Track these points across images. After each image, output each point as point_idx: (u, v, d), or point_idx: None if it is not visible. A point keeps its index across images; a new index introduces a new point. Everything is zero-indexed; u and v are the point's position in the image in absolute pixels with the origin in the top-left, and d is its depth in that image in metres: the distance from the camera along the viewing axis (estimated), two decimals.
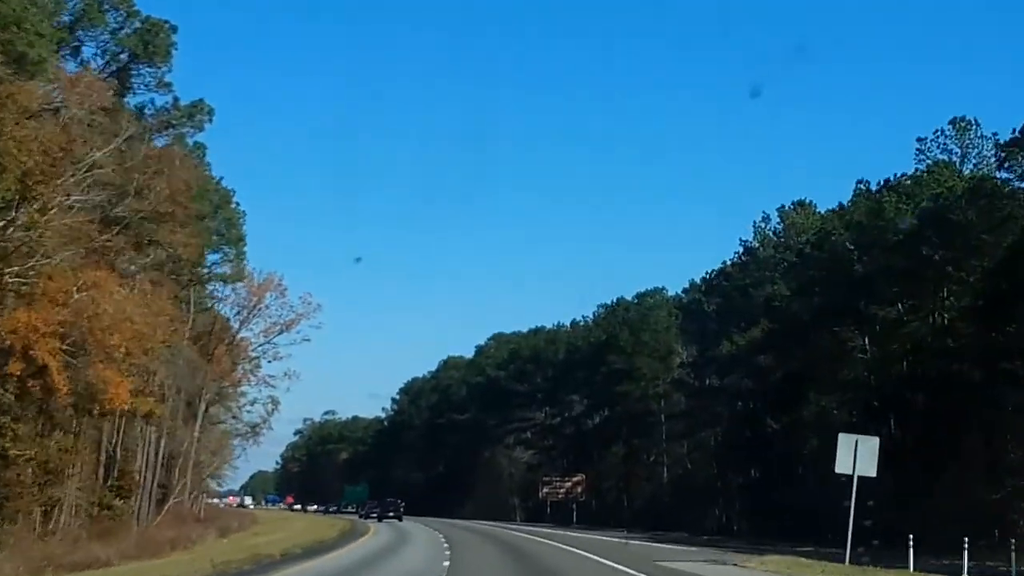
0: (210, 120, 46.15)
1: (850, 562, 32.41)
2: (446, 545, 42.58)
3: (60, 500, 48.79)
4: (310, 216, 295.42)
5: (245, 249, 65.75)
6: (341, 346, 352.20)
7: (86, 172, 29.70)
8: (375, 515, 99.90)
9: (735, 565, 30.06)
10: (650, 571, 28.04)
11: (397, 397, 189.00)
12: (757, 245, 77.52)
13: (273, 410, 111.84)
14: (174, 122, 44.60)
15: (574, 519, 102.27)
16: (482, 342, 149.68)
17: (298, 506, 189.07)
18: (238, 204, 65.58)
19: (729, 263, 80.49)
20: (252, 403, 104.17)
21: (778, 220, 76.74)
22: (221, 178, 64.13)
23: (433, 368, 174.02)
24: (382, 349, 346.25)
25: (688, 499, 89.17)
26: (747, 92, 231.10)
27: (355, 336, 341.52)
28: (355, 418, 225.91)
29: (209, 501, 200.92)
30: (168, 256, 41.46)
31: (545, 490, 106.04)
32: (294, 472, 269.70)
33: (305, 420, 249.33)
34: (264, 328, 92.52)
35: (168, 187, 35.67)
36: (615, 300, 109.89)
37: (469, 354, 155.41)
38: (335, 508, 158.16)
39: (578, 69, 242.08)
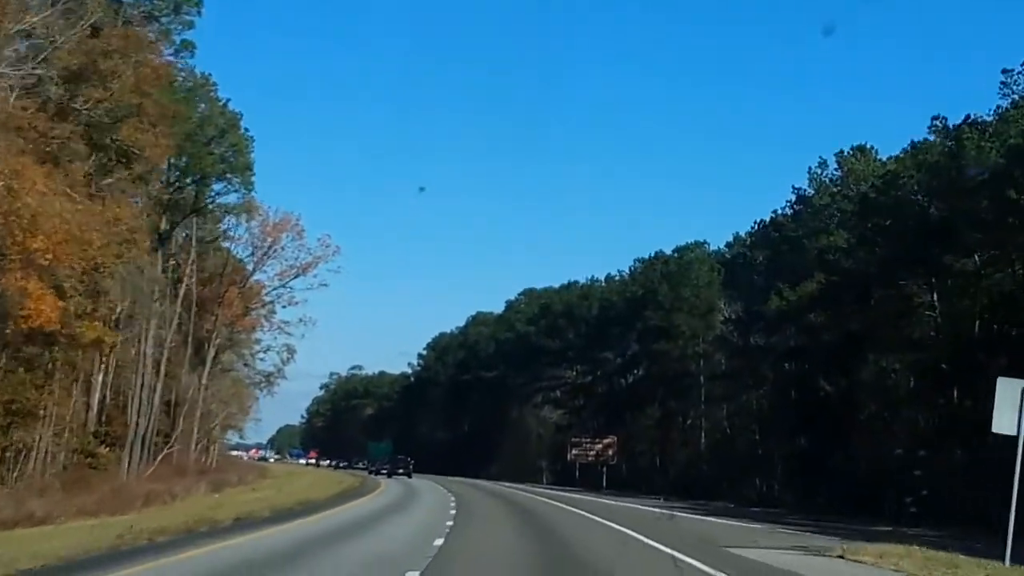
0: (199, 13, 40.30)
1: (1012, 561, 21.64)
2: (453, 511, 36.59)
3: (31, 445, 43.79)
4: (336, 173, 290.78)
5: (253, 179, 60.09)
6: (372, 301, 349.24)
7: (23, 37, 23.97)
8: (385, 471, 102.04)
9: (841, 557, 21.91)
10: (725, 564, 20.46)
11: (424, 353, 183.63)
12: (812, 193, 70.96)
13: (289, 359, 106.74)
14: (157, 13, 38.82)
15: (604, 483, 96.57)
16: (512, 297, 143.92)
17: (313, 461, 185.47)
18: (247, 130, 59.80)
19: (780, 213, 74.05)
20: (266, 350, 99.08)
21: (835, 167, 70.22)
22: (228, 100, 58.44)
23: (461, 324, 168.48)
24: (413, 306, 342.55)
25: (727, 466, 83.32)
26: (810, 31, 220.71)
27: (387, 292, 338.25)
28: (381, 373, 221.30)
29: (231, 453, 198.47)
30: (140, 163, 35.58)
31: (574, 452, 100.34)
32: (319, 427, 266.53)
33: (331, 374, 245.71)
34: (279, 271, 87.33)
35: (134, 75, 29.89)
36: (653, 254, 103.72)
37: (499, 311, 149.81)
38: (346, 464, 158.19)
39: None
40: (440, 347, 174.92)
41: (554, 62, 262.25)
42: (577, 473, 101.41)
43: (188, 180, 57.96)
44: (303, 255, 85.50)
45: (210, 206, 62.08)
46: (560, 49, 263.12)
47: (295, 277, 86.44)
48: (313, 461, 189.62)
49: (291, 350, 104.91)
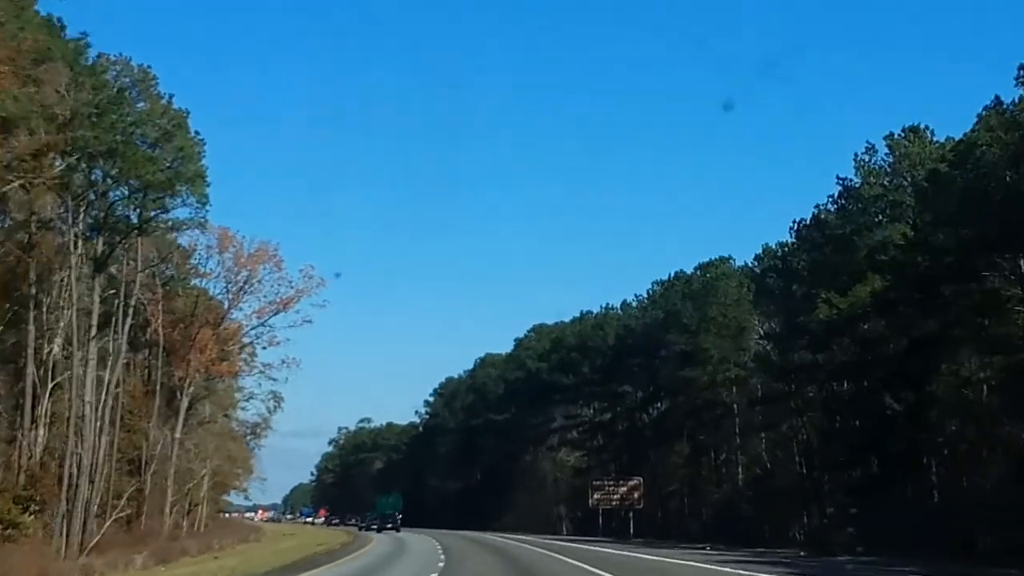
0: None
1: None
2: None
3: None
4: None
5: (207, 190, 50.83)
6: (381, 353, 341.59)
7: None
8: (375, 527, 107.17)
9: None
10: None
11: (431, 400, 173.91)
12: (859, 183, 61.43)
13: (276, 407, 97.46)
14: None
15: (631, 530, 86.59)
16: (522, 335, 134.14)
17: (322, 520, 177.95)
18: (198, 134, 50.59)
19: (823, 208, 64.33)
20: (248, 399, 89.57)
21: (886, 151, 60.79)
22: (171, 95, 49.22)
23: (470, 367, 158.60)
24: (424, 355, 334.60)
25: (768, 505, 73.30)
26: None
27: (396, 342, 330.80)
28: (389, 424, 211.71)
29: (232, 516, 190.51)
30: None
31: (596, 496, 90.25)
32: (328, 484, 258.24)
33: (340, 429, 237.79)
34: (258, 309, 78.08)
35: None
36: (672, 274, 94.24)
37: (509, 350, 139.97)
38: (337, 521, 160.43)
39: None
40: (448, 392, 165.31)
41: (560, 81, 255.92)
42: (600, 520, 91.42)
43: (122, 191, 48.72)
44: (283, 289, 76.21)
45: (156, 223, 52.33)
46: (565, 68, 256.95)
47: (275, 314, 77.10)
48: (322, 520, 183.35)
49: (278, 397, 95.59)
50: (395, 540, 74.63)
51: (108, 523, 50.58)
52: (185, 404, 74.75)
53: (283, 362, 77.64)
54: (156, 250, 73.90)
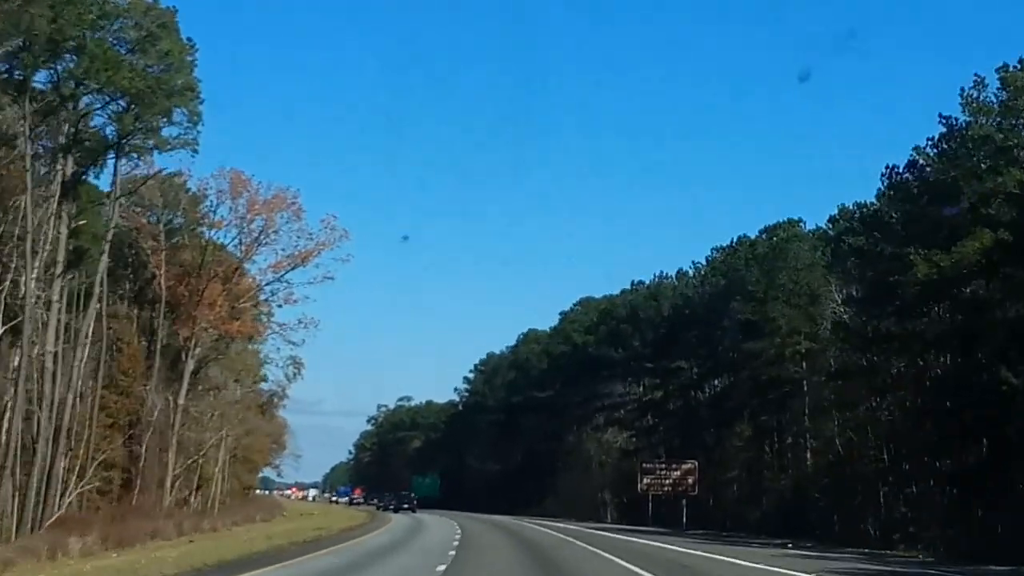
0: None
1: None
2: None
3: None
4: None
5: (200, 107, 42.80)
6: (424, 330, 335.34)
7: None
8: (392, 507, 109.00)
9: None
10: None
11: (471, 376, 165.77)
12: (966, 122, 52.29)
13: (296, 374, 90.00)
14: None
15: (684, 520, 78.08)
16: (567, 308, 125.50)
17: (359, 499, 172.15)
18: (191, 40, 42.60)
19: (920, 153, 55.11)
20: (265, 363, 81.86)
21: (998, 86, 51.65)
22: None
23: (512, 343, 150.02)
24: (466, 332, 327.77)
25: (843, 495, 64.56)
26: None
27: (438, 318, 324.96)
28: (429, 403, 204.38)
29: (270, 492, 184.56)
30: None
31: (646, 481, 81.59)
32: (365, 463, 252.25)
33: (379, 407, 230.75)
34: (273, 263, 70.26)
35: None
36: (735, 239, 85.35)
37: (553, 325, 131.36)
38: (360, 500, 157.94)
39: None
40: (489, 369, 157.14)
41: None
42: (650, 507, 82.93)
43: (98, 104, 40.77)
44: (303, 242, 68.23)
45: (136, 143, 44.22)
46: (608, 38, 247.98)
47: (293, 268, 69.07)
48: (352, 499, 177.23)
49: (297, 363, 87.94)
50: (411, 525, 66.79)
51: (71, 497, 42.93)
52: (191, 367, 67.47)
53: (300, 322, 69.48)
54: (160, 194, 66.76)
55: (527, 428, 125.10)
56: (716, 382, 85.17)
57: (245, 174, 67.54)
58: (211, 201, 67.86)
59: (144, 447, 61.67)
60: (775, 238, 77.39)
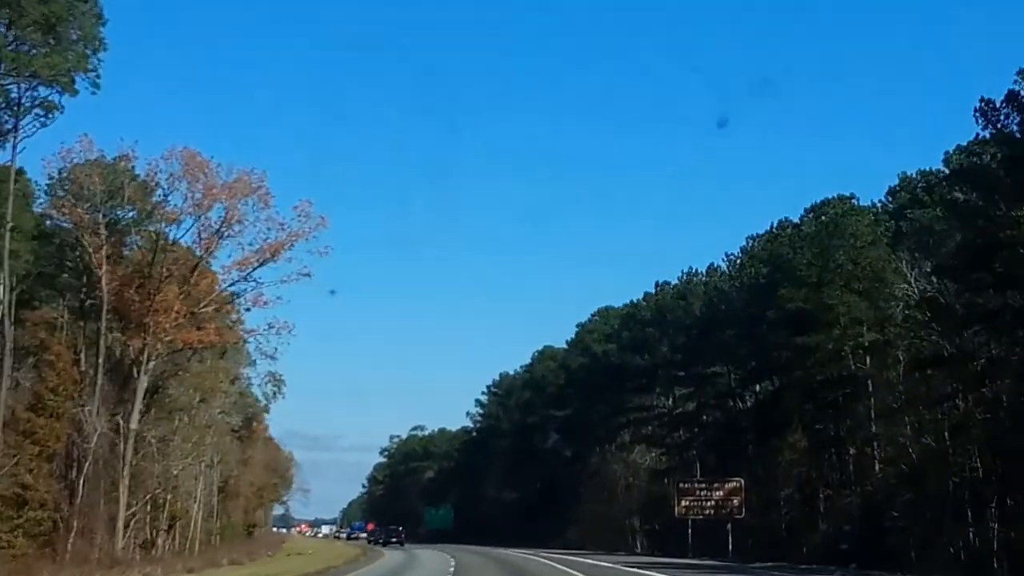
0: None
1: None
2: None
3: None
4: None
5: (101, 29, 32.14)
6: (435, 358, 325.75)
7: None
8: (381, 541, 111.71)
9: None
10: None
11: (484, 400, 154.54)
12: None
13: (276, 392, 79.47)
14: None
15: (730, 547, 66.88)
16: (585, 319, 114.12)
17: (354, 535, 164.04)
18: None
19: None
20: (233, 381, 71.06)
21: None
22: None
23: (527, 362, 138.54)
24: (480, 358, 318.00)
25: (925, 513, 53.17)
26: None
27: (451, 346, 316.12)
28: (442, 430, 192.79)
29: (280, 530, 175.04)
30: None
31: (684, 504, 70.18)
32: (378, 496, 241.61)
33: (392, 438, 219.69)
34: (239, 259, 59.73)
35: None
36: (774, 224, 74.34)
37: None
38: (355, 536, 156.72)
39: None
40: (502, 391, 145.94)
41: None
42: (689, 534, 71.58)
43: None
44: (274, 233, 57.64)
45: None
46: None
47: (261, 264, 58.35)
48: (365, 535, 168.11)
49: (277, 379, 77.28)
50: (398, 564, 56.32)
51: None
52: (143, 384, 56.79)
53: (271, 327, 58.40)
54: (98, 180, 56.45)
55: (545, 451, 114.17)
56: (759, 387, 73.90)
57: (201, 155, 56.80)
58: (162, 188, 57.21)
59: (83, 480, 51.40)
60: (823, 216, 66.45)
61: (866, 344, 60.08)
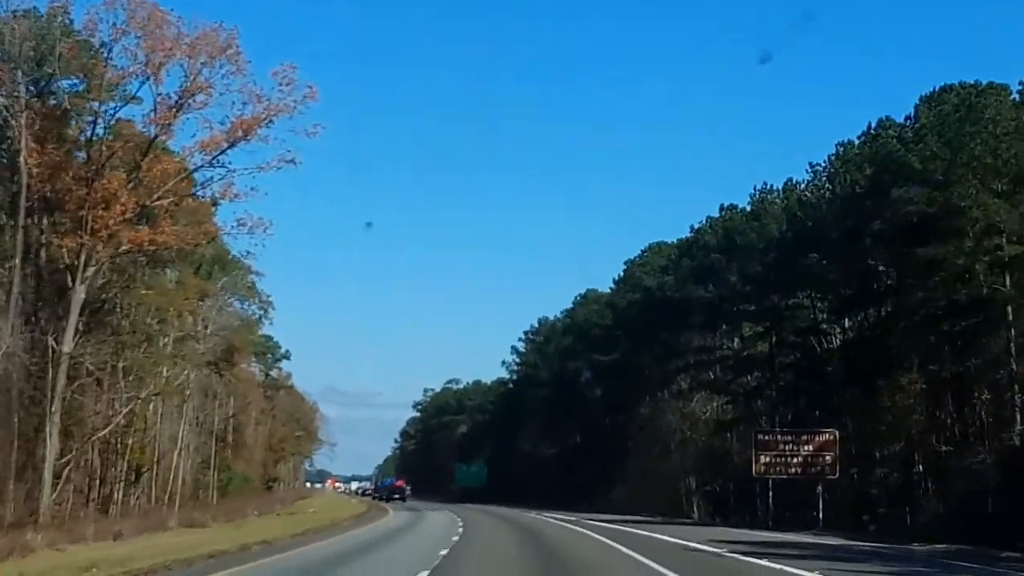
0: None
1: None
2: None
3: None
4: None
5: None
6: (476, 311, 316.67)
7: None
8: (384, 498, 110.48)
9: None
10: None
11: (521, 347, 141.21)
12: None
13: (265, 313, 67.44)
14: None
15: (820, 517, 53.61)
16: (635, 255, 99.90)
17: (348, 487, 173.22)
18: None
19: None
20: (202, 298, 58.23)
21: None
22: None
23: (568, 306, 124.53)
24: (518, 307, 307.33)
25: None
26: None
27: (489, 292, 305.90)
28: (476, 382, 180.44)
29: (316, 485, 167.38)
30: None
31: (764, 459, 56.35)
32: (410, 451, 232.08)
33: (426, 391, 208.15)
34: (204, 139, 47.37)
35: None
36: (873, 124, 60.20)
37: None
38: (362, 490, 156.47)
39: None
40: (542, 336, 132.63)
41: None
42: (770, 498, 58.10)
43: None
44: (250, 107, 45.28)
45: None
46: None
47: (232, 145, 45.93)
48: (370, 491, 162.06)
49: (264, 300, 65.05)
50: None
51: None
52: (80, 295, 44.65)
53: (240, 223, 45.44)
54: (18, 31, 44.51)
55: (587, 401, 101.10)
56: (854, 320, 60.26)
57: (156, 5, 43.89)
58: (103, 42, 44.48)
59: None
60: (944, 107, 52.42)
61: (1006, 259, 46.51)
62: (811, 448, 54.65)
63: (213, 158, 45.12)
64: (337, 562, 26.58)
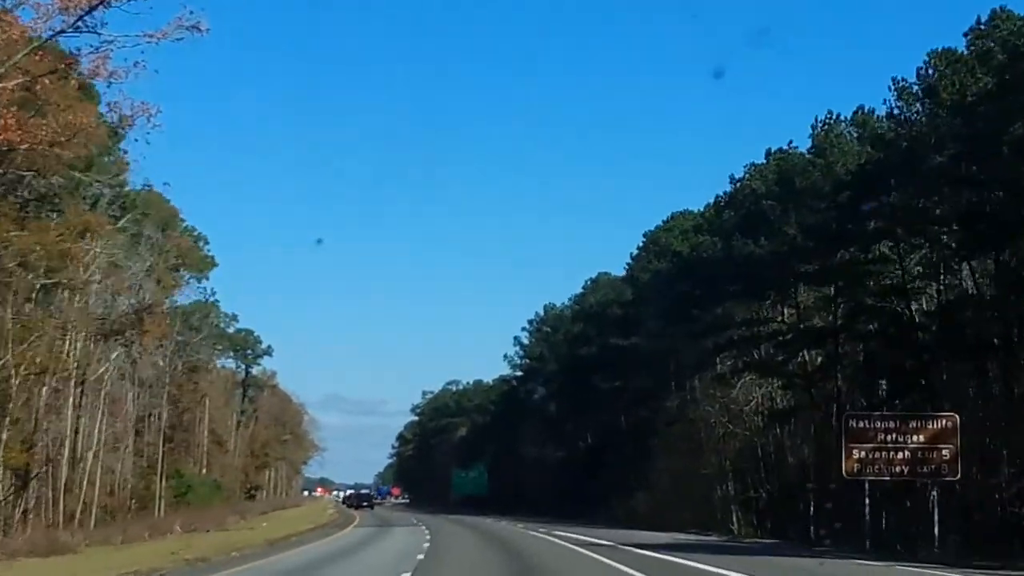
0: None
1: None
2: None
3: None
4: None
5: None
6: (482, 310, 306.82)
7: None
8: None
9: None
10: None
11: (524, 338, 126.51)
12: None
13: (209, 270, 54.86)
14: None
15: (936, 534, 39.00)
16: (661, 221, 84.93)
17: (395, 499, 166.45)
18: None
19: None
20: (82, 234, 43.43)
21: None
22: None
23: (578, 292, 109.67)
24: (522, 304, 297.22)
25: None
26: None
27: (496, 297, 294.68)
28: (477, 382, 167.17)
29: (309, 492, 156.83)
30: None
31: (858, 455, 40.93)
32: (406, 457, 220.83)
33: (425, 394, 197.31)
34: None
35: None
36: (969, 29, 45.70)
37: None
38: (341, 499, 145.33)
39: None
40: (548, 325, 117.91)
41: None
42: (867, 507, 42.71)
43: None
44: None
45: None
46: None
47: (101, 2, 31.64)
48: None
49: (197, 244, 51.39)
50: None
51: None
52: None
53: (111, 108, 31.07)
54: None
55: (601, 394, 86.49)
56: (965, 274, 45.74)
57: None
58: None
59: None
60: None
61: None
62: (922, 438, 39.74)
63: (78, 19, 31.00)
64: None
